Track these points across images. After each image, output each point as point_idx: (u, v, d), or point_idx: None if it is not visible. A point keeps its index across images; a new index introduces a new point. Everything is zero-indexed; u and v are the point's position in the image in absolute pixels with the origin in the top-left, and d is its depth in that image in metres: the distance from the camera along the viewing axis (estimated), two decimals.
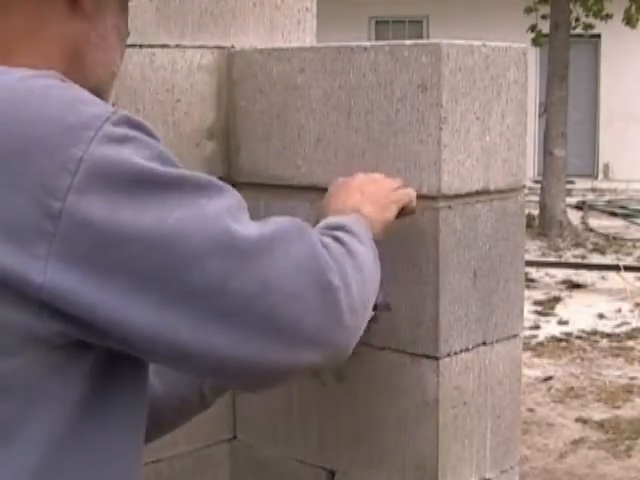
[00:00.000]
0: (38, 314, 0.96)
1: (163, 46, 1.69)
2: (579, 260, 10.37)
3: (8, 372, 0.98)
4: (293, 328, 1.04)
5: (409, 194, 1.45)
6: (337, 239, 1.16)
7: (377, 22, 17.98)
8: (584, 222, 12.83)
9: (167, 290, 0.98)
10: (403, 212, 1.43)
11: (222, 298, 0.99)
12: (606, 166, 17.69)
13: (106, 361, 1.03)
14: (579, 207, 14.06)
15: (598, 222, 12.83)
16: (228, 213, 1.01)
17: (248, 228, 1.02)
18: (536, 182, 13.48)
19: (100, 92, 1.17)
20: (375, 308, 1.43)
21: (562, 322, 7.72)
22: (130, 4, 1.21)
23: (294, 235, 1.07)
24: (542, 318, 7.82)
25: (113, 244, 0.96)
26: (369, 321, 1.47)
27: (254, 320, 1.01)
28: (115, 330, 0.99)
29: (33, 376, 0.99)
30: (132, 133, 0.99)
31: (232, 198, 1.05)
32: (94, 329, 0.98)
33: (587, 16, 13.05)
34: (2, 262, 0.94)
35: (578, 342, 7.17)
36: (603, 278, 9.33)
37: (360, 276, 1.14)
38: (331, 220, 1.26)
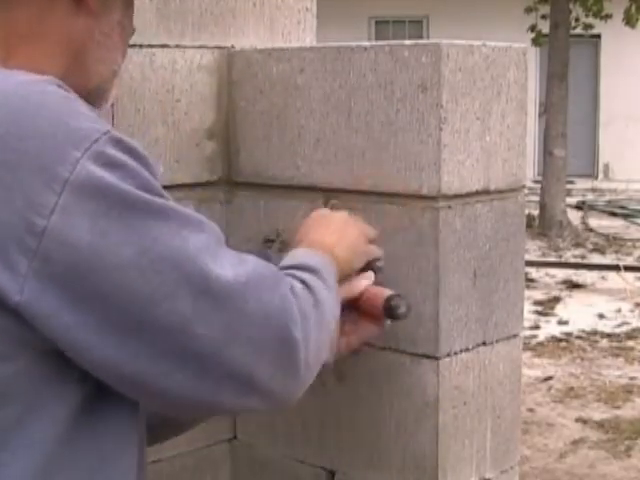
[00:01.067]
0: (19, 322, 0.96)
1: (163, 46, 1.69)
2: (579, 260, 10.37)
3: (3, 378, 0.98)
4: (248, 377, 1.05)
5: (377, 252, 1.45)
6: (308, 286, 1.15)
7: (377, 22, 17.98)
8: (584, 222, 12.83)
9: (133, 323, 0.98)
10: (367, 266, 1.44)
11: (186, 338, 1.00)
12: (606, 166, 17.69)
13: None
14: (579, 207, 14.06)
15: (598, 222, 12.84)
16: (207, 251, 1.01)
17: (224, 270, 1.02)
18: (536, 182, 13.48)
19: (101, 91, 1.16)
20: (397, 317, 1.42)
21: (562, 322, 7.72)
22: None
23: (268, 283, 1.07)
24: (542, 318, 7.83)
25: (90, 270, 0.96)
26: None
27: (212, 364, 1.02)
28: (78, 355, 0.99)
29: (29, 381, 0.99)
30: (121, 157, 0.98)
31: (212, 234, 1.04)
32: (62, 349, 0.99)
33: (587, 16, 13.06)
34: None
35: (578, 342, 7.17)
36: (603, 278, 9.33)
37: (321, 335, 1.15)
38: (303, 258, 1.25)
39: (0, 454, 0.99)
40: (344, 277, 1.35)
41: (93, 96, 1.12)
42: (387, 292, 1.42)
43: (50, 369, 1.00)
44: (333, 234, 1.38)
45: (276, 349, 1.06)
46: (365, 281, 1.43)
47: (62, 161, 0.95)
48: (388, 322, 1.45)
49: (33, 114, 0.97)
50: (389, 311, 1.41)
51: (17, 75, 1.01)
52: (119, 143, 0.99)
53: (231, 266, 1.03)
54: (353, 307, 1.43)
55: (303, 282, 1.16)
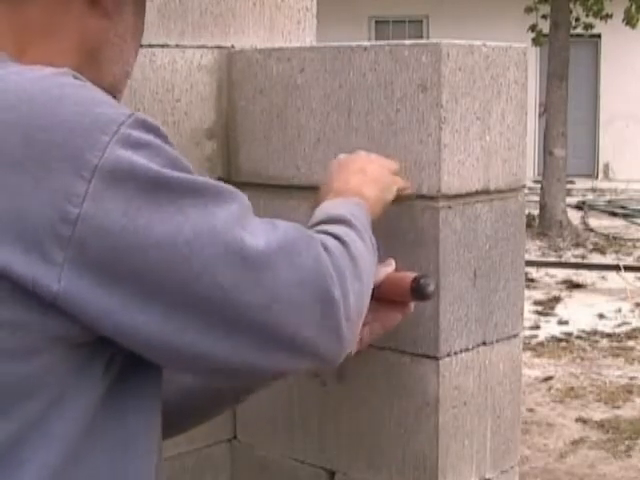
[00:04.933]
0: (53, 316, 0.96)
1: (163, 46, 1.69)
2: (579, 260, 10.37)
3: (28, 373, 0.98)
4: (292, 339, 1.06)
5: (403, 182, 1.45)
6: (340, 239, 1.16)
7: (377, 22, 17.99)
8: (584, 222, 12.83)
9: (176, 298, 0.99)
10: (399, 197, 1.43)
11: (227, 308, 1.01)
12: (606, 166, 17.70)
13: (124, 356, 1.04)
14: (579, 207, 14.06)
15: (598, 222, 12.83)
16: (238, 221, 1.03)
17: (257, 238, 1.03)
18: (536, 182, 13.48)
19: (114, 91, 1.16)
20: (427, 296, 1.41)
21: (562, 322, 7.72)
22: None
23: (300, 246, 1.07)
24: (542, 318, 7.83)
25: (127, 252, 0.96)
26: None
27: (256, 329, 1.04)
28: (123, 336, 1.00)
29: (52, 376, 0.99)
30: (147, 138, 0.99)
31: (242, 204, 1.05)
32: (104, 334, 0.99)
33: (587, 16, 13.06)
34: (17, 268, 0.94)
35: (578, 342, 7.17)
36: (603, 278, 9.34)
37: (359, 285, 1.15)
38: (333, 209, 1.26)
39: (21, 450, 0.99)
40: (378, 213, 1.35)
41: None
42: (411, 274, 1.41)
43: (74, 364, 1.01)
44: (356, 175, 1.37)
45: (316, 310, 1.07)
46: (387, 268, 1.43)
47: (91, 147, 0.95)
48: (412, 306, 1.44)
49: (55, 106, 0.97)
50: (418, 291, 1.39)
51: (34, 70, 1.01)
52: (144, 123, 1.00)
53: (263, 234, 1.04)
54: (374, 295, 1.41)
55: (336, 237, 1.16)
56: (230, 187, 1.06)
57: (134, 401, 1.07)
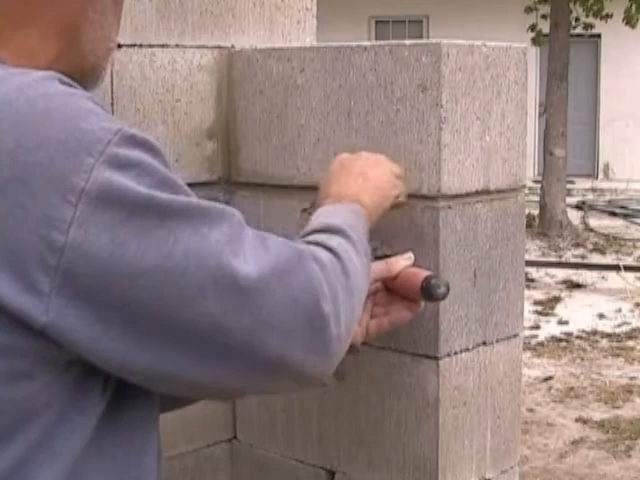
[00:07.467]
0: (44, 341, 0.94)
1: (163, 46, 1.69)
2: (579, 260, 10.37)
3: (25, 395, 0.96)
4: (280, 362, 1.05)
5: (403, 187, 1.43)
6: (333, 252, 1.13)
7: (377, 22, 17.99)
8: (584, 222, 12.83)
9: (165, 326, 0.97)
10: (396, 204, 1.41)
11: (217, 334, 0.99)
12: (606, 166, 17.69)
13: None
14: (579, 207, 14.06)
15: (598, 222, 12.84)
16: (230, 244, 1.00)
17: (248, 263, 1.00)
18: (536, 182, 13.48)
19: (97, 70, 1.13)
20: (436, 297, 1.39)
21: (562, 322, 7.73)
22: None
23: (292, 265, 1.05)
24: (542, 318, 7.83)
25: (116, 279, 0.94)
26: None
27: (244, 354, 1.02)
28: (112, 363, 0.98)
29: (53, 396, 0.98)
30: (136, 156, 0.95)
31: (233, 222, 1.03)
32: (93, 362, 0.98)
33: (587, 16, 13.05)
34: (5, 297, 0.91)
35: (578, 342, 7.17)
36: (603, 278, 9.34)
37: (350, 301, 1.13)
38: (330, 217, 1.24)
39: (27, 472, 0.97)
40: (374, 221, 1.32)
41: (89, 76, 1.10)
42: (425, 272, 1.39)
43: (73, 383, 0.99)
44: (357, 179, 1.34)
45: (307, 330, 1.05)
46: (404, 261, 1.41)
47: (77, 170, 0.92)
48: (422, 305, 1.42)
49: (41, 121, 0.93)
50: (428, 291, 1.36)
51: (16, 76, 0.98)
52: (132, 140, 0.96)
53: (254, 257, 1.01)
54: (387, 288, 1.39)
55: (329, 249, 1.13)
56: (220, 206, 1.03)
57: (135, 416, 1.06)
